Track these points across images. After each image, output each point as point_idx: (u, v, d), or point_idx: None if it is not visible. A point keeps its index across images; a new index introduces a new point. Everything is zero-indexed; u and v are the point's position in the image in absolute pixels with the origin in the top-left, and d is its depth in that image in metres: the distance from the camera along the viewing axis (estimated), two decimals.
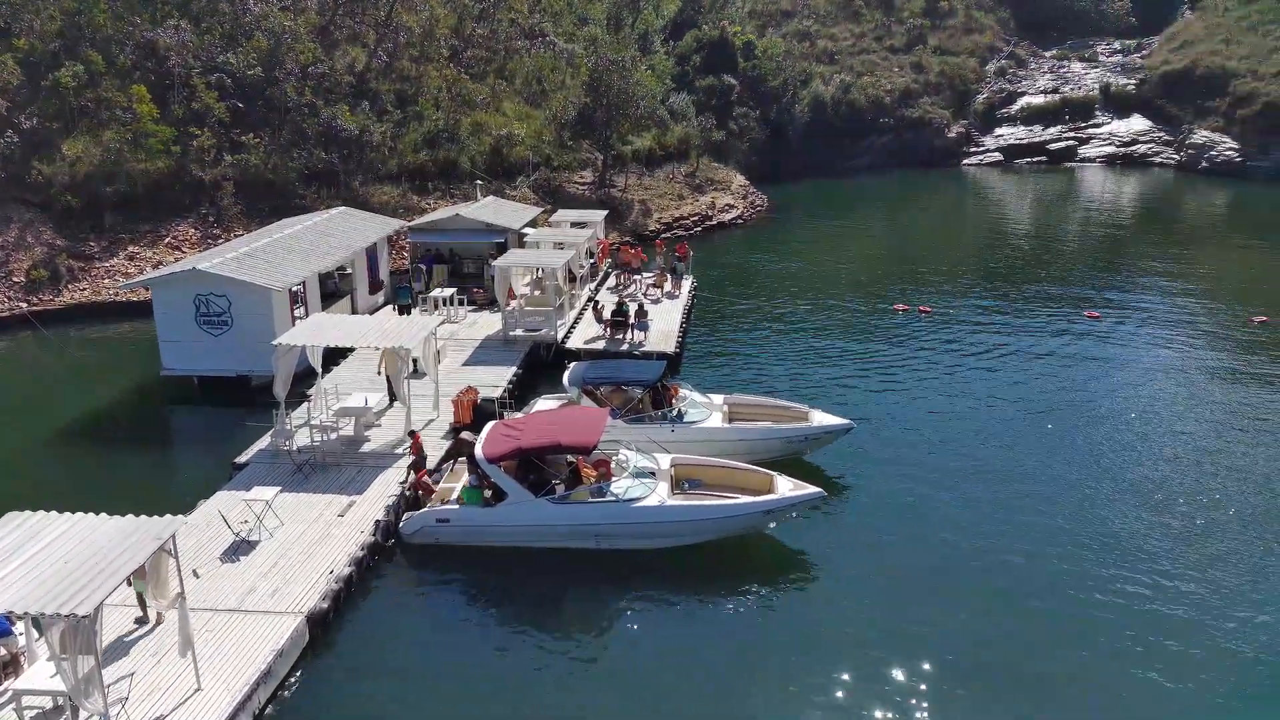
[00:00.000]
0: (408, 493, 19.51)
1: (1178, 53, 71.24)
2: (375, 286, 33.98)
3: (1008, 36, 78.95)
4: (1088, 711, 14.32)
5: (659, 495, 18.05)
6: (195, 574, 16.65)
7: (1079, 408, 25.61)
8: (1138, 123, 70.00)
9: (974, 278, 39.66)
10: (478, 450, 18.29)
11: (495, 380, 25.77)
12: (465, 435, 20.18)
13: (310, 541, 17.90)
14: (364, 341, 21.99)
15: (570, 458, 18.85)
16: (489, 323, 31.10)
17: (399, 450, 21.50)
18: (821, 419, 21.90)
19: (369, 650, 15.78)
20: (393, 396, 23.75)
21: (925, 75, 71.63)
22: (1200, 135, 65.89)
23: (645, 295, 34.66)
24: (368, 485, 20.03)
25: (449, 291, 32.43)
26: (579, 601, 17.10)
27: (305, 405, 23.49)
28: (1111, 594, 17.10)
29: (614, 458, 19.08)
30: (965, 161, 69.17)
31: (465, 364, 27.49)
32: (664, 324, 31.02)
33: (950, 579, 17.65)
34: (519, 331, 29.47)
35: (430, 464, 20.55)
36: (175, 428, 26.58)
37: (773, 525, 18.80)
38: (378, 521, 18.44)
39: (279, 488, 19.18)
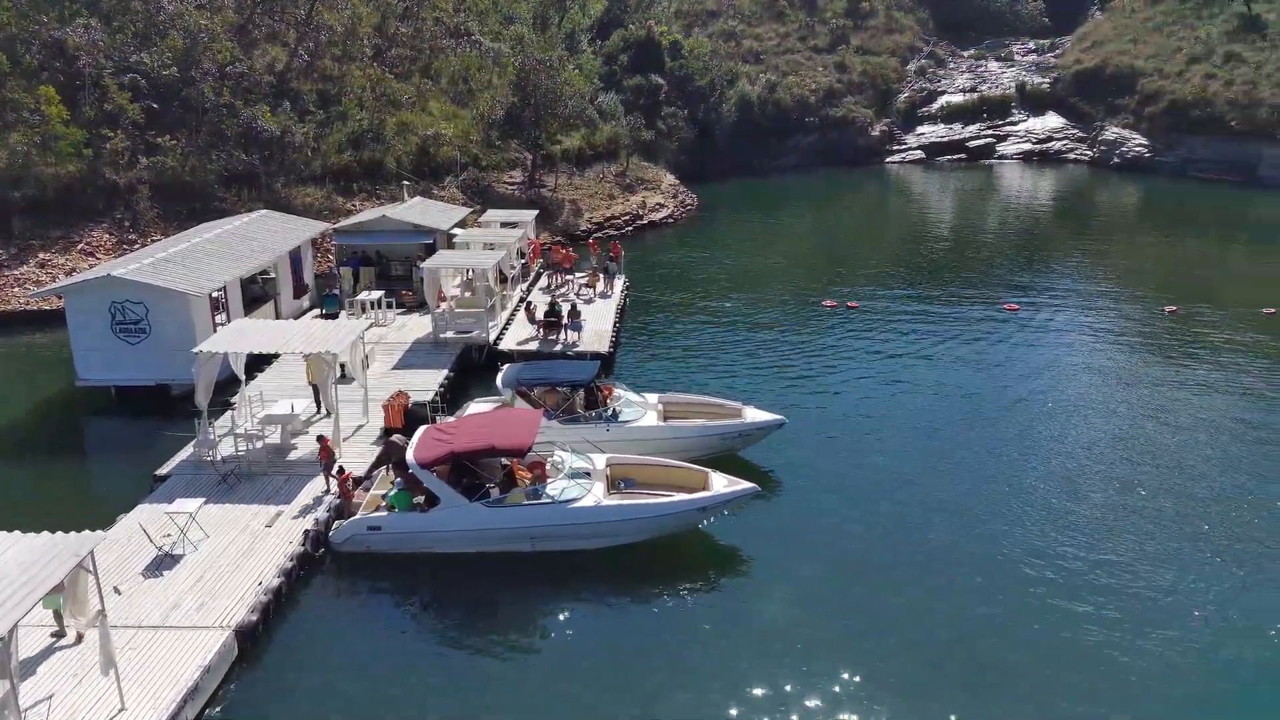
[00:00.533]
0: (335, 500, 19.14)
1: (1089, 52, 73.63)
2: (300, 290, 33.28)
3: (927, 37, 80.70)
4: (1030, 697, 14.63)
5: (595, 496, 18.03)
6: (116, 590, 16.11)
7: (1003, 398, 26.33)
8: (1052, 120, 72.16)
9: (899, 273, 40.49)
10: (409, 455, 18.04)
11: (426, 384, 25.43)
12: (395, 439, 19.88)
13: (237, 553, 17.46)
14: (289, 347, 21.52)
15: (504, 460, 18.70)
16: (419, 325, 30.69)
17: None
18: (754, 415, 22.12)
19: (300, 663, 15.45)
20: (321, 407, 23.24)
21: (848, 75, 72.79)
22: (1111, 132, 68.19)
23: (578, 295, 34.59)
24: (296, 494, 19.61)
25: (376, 294, 31.91)
26: (515, 605, 16.98)
27: (229, 414, 22.87)
28: (1045, 575, 17.63)
29: (549, 459, 19.00)
30: (888, 160, 70.48)
31: (395, 368, 27.08)
32: (597, 324, 30.98)
33: (885, 569, 17.98)
34: (450, 334, 29.14)
35: (359, 471, 20.22)
36: (92, 440, 25.65)
37: (708, 522, 18.92)
38: (307, 531, 18.05)
39: (203, 499, 18.66)
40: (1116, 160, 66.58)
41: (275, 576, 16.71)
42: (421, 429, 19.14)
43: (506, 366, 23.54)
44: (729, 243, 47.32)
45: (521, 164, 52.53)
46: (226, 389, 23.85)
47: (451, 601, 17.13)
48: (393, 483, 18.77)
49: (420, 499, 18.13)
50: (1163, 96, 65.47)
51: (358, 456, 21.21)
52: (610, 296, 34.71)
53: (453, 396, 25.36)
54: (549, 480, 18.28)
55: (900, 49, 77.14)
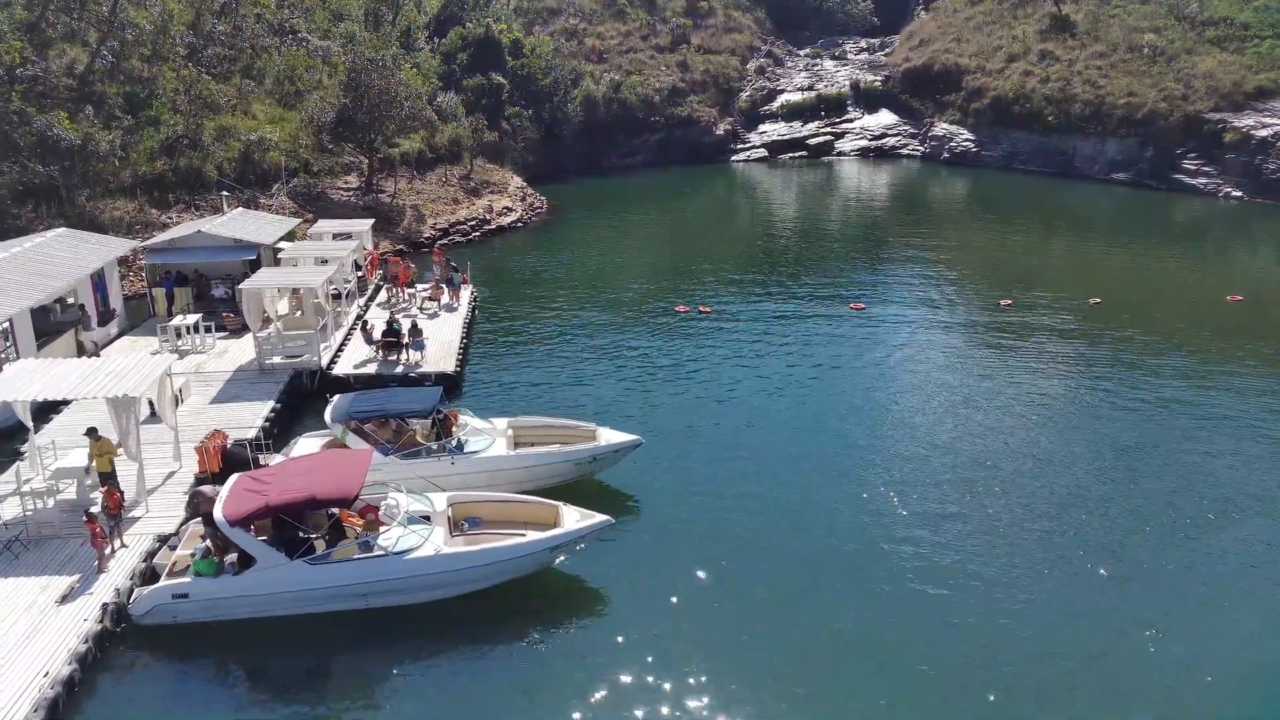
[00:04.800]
0: (141, 564, 16.94)
1: (916, 50, 76.40)
2: (106, 317, 30.13)
3: (765, 36, 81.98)
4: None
5: (434, 543, 16.48)
6: None
7: (857, 401, 26.21)
8: (886, 117, 74.45)
9: (748, 274, 40.35)
10: (217, 511, 15.95)
11: (249, 419, 23.21)
12: (204, 489, 17.72)
13: (19, 638, 15.11)
14: (81, 391, 18.97)
15: (331, 509, 16.92)
16: (242, 351, 28.17)
17: (135, 514, 18.74)
18: (609, 437, 21.03)
19: None
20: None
21: (691, 74, 73.01)
22: (940, 128, 70.90)
23: (421, 309, 32.80)
24: (95, 560, 17.26)
25: (194, 318, 29.20)
26: (348, 673, 15.31)
27: (15, 468, 20.11)
28: (913, 586, 17.48)
29: (383, 503, 17.34)
30: (734, 158, 71.05)
31: (214, 401, 24.63)
32: (442, 340, 29.35)
33: (752, 596, 17.28)
34: (277, 359, 26.82)
35: (168, 528, 18.04)
36: None
37: (561, 560, 17.74)
38: (105, 605, 15.84)
39: None
40: (947, 155, 69.23)
41: (66, 663, 14.52)
42: (232, 479, 16.96)
43: (336, 399, 21.35)
44: (580, 246, 46.26)
45: (357, 168, 49.90)
46: (16, 436, 21.14)
47: (275, 674, 15.31)
48: (203, 538, 16.68)
49: (231, 557, 16.13)
50: (986, 93, 68.47)
51: (165, 510, 18.93)
52: (456, 309, 33.07)
53: (281, 431, 23.25)
54: (383, 528, 16.63)
55: (740, 48, 78.01)
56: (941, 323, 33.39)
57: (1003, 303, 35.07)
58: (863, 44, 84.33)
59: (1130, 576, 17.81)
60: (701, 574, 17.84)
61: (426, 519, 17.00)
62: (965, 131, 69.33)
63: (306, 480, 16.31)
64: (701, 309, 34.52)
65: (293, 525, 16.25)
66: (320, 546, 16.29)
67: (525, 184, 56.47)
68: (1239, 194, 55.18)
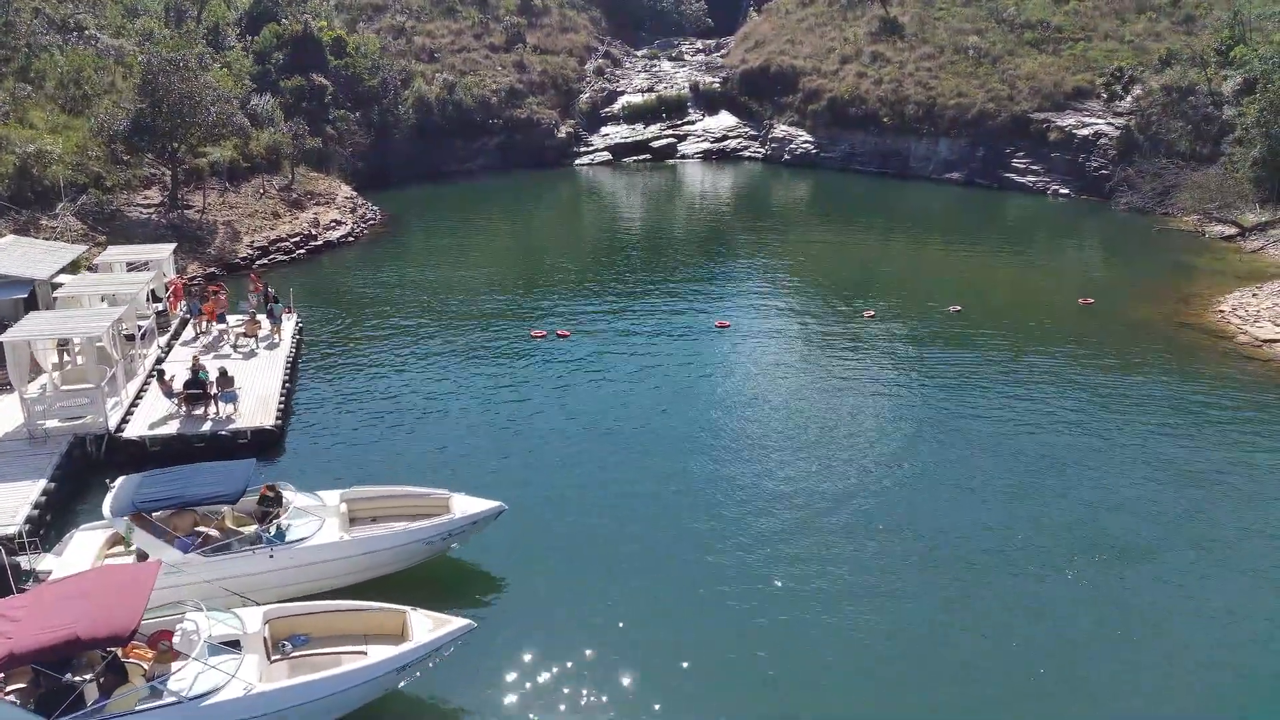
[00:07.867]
0: None
1: (752, 52, 76.15)
2: None
3: (601, 36, 79.97)
4: None
5: (246, 677, 13.02)
6: None
7: (739, 437, 24.19)
8: (727, 119, 73.80)
9: (606, 290, 37.83)
10: None
11: (12, 506, 18.80)
12: None
13: None
14: None
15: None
16: (9, 414, 23.35)
17: None
18: (466, 506, 17.91)
19: None
20: None
21: (529, 75, 70.12)
22: (780, 129, 70.75)
23: (235, 347, 28.72)
24: None
25: None
26: None
27: None
28: (815, 611, 16.08)
29: (179, 625, 13.80)
30: (578, 161, 68.65)
31: None
32: (259, 387, 25.51)
33: (641, 689, 14.94)
34: (52, 422, 22.32)
35: None
36: None
37: (410, 680, 14.64)
38: None
39: None
40: (787, 157, 69.09)
41: None
42: None
43: (118, 484, 17.06)
44: (421, 262, 42.55)
45: (160, 182, 44.46)
46: None
47: None
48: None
49: None
50: (823, 94, 68.73)
51: None
52: (278, 345, 29.15)
53: (58, 516, 19.05)
54: (178, 661, 13.11)
55: (577, 48, 75.75)
56: (809, 339, 31.92)
57: (866, 314, 34.09)
58: (699, 45, 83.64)
59: (1017, 592, 17.48)
60: (585, 661, 15.33)
61: (235, 644, 13.56)
62: (804, 133, 69.42)
63: (68, 612, 12.41)
64: (559, 333, 31.80)
65: (51, 675, 12.53)
66: (93, 693, 12.62)
67: (355, 193, 52.22)
68: (1066, 191, 57.20)
